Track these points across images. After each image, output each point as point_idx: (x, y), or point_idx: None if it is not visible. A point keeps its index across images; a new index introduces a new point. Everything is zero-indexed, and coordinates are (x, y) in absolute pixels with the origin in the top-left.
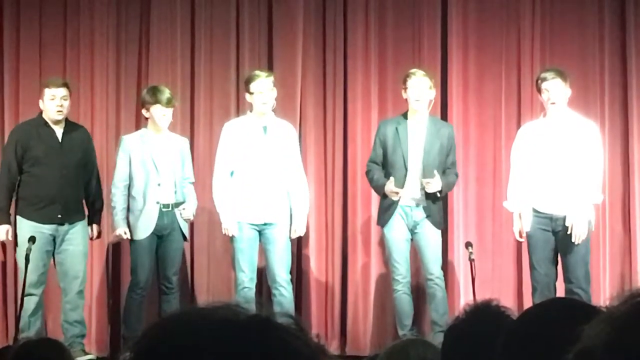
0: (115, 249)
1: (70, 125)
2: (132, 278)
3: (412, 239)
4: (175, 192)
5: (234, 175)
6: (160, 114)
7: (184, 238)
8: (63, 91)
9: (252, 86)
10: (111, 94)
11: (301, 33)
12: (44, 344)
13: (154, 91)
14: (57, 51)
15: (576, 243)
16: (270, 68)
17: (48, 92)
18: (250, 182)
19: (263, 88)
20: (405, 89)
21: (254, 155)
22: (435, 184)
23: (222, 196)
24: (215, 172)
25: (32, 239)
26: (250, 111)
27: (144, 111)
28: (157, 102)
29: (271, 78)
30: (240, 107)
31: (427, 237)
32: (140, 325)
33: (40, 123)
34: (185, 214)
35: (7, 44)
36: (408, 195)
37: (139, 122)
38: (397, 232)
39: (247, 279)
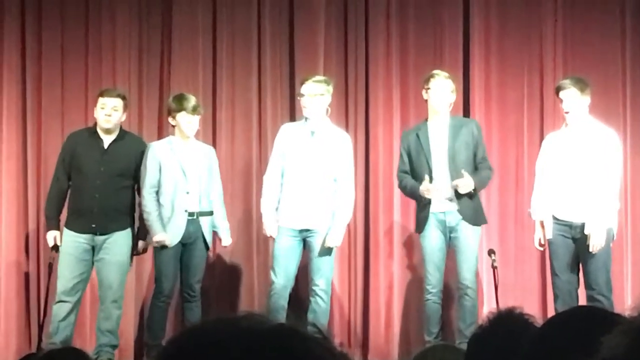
0: (138, 257)
1: (122, 135)
2: (157, 286)
3: (449, 244)
4: (201, 201)
5: (284, 178)
6: (185, 122)
7: (207, 247)
8: (114, 101)
9: (302, 89)
10: (133, 102)
11: (322, 40)
12: (68, 353)
13: (180, 99)
14: (79, 60)
15: (593, 252)
16: (291, 76)
17: (100, 100)
18: (294, 186)
19: (307, 91)
20: (427, 89)
21: (299, 159)
22: (465, 184)
23: (269, 197)
24: (266, 172)
25: (55, 248)
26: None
27: (170, 119)
28: (182, 109)
29: (321, 84)
30: (262, 114)
31: (463, 242)
32: (163, 333)
33: (91, 131)
34: (225, 242)
35: (29, 52)
36: (438, 199)
37: (161, 130)
38: (431, 241)
39: (279, 286)
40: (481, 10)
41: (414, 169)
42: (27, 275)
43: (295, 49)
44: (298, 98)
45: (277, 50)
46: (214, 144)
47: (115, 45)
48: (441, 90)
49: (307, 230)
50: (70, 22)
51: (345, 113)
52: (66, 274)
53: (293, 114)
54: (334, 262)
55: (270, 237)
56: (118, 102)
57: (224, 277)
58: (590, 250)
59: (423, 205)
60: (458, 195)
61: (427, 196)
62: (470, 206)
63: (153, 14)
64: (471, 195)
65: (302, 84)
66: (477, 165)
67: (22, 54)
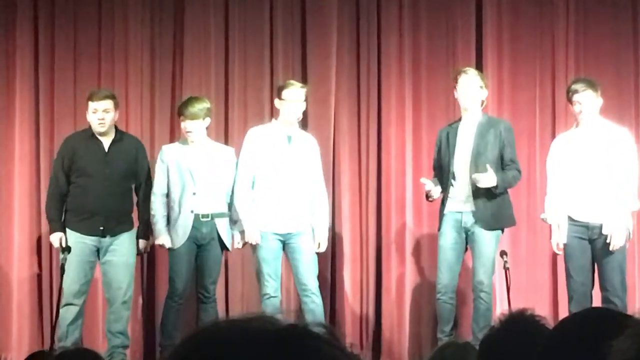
0: (150, 257)
1: (120, 136)
2: (170, 286)
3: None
4: (215, 203)
5: (257, 183)
6: (182, 127)
7: (226, 248)
8: (105, 104)
9: (285, 93)
10: (145, 104)
11: (335, 42)
12: (81, 354)
13: (184, 103)
14: (92, 62)
15: (612, 251)
16: (304, 77)
17: (90, 105)
18: (274, 190)
19: (295, 97)
20: (456, 87)
21: (278, 163)
22: (486, 179)
23: (245, 204)
24: (238, 178)
25: (67, 249)
26: (276, 119)
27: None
28: (180, 114)
29: (304, 90)
30: (274, 115)
31: (478, 244)
32: (178, 334)
33: (88, 134)
34: (238, 245)
35: (42, 55)
36: (456, 200)
37: (174, 132)
38: (445, 240)
39: (272, 289)
40: (494, 12)
41: (441, 167)
42: (39, 276)
43: (307, 52)
44: (279, 103)
45: (289, 51)
46: (226, 145)
47: (127, 47)
48: (467, 86)
49: (291, 233)
50: (83, 25)
51: (357, 114)
52: (73, 277)
53: (305, 115)
54: (327, 263)
55: (255, 246)
56: (109, 104)
57: (236, 279)
58: (611, 249)
59: (442, 204)
60: (476, 196)
61: (430, 197)
62: (488, 209)
63: (165, 15)
64: (492, 197)
65: (282, 89)
66: (504, 167)
67: (35, 57)
